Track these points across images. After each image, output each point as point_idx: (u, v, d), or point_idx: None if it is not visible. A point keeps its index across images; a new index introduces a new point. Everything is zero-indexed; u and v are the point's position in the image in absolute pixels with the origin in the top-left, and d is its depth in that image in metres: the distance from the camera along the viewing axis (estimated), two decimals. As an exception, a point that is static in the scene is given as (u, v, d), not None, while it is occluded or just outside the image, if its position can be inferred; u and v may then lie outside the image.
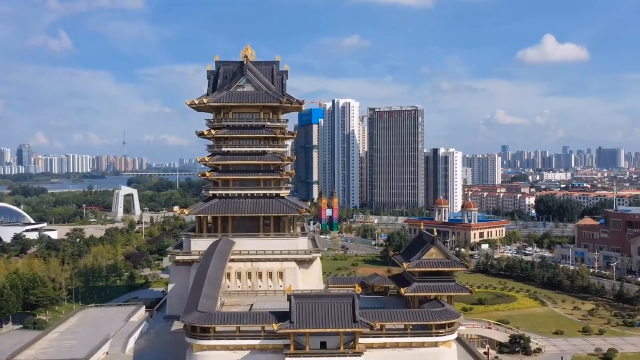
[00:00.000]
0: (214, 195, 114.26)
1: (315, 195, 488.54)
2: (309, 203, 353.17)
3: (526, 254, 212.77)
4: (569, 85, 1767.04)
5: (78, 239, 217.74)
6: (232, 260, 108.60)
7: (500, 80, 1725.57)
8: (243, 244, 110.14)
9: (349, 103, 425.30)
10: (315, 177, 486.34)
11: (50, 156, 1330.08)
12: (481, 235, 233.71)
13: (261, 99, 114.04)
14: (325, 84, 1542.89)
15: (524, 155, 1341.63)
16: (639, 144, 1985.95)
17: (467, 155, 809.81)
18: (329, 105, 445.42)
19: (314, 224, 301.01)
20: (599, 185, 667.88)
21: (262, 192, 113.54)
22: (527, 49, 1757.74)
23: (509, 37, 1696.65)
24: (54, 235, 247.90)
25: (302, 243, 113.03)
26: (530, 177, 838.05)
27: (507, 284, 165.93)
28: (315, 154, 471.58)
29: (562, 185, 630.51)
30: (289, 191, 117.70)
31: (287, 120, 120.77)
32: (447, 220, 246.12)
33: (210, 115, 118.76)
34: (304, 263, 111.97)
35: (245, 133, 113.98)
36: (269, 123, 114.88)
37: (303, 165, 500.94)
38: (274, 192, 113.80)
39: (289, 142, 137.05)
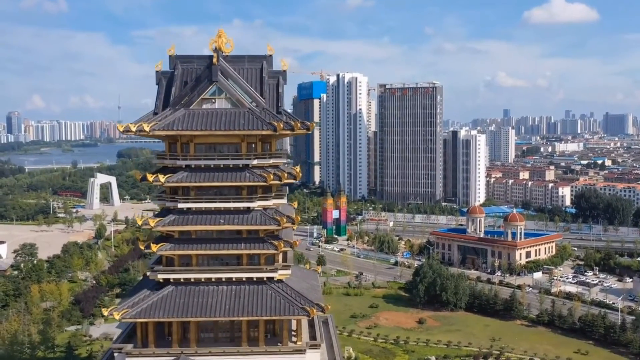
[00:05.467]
0: (167, 282, 69.21)
1: (317, 177, 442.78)
2: (308, 212, 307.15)
3: (590, 285, 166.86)
4: (571, 46, 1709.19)
5: (22, 264, 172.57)
6: (196, 397, 64.67)
7: (502, 41, 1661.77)
8: (214, 367, 66.25)
9: (356, 78, 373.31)
10: (316, 158, 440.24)
11: (42, 123, 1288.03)
12: (527, 254, 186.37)
13: (242, 123, 67.78)
14: (321, 46, 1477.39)
15: (529, 121, 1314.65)
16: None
17: (478, 128, 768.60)
18: (332, 79, 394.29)
19: (317, 227, 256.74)
20: (619, 160, 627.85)
21: (245, 275, 69.08)
22: (534, 9, 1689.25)
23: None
24: (1, 250, 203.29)
25: (312, 362, 68.63)
26: (542, 149, 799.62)
27: (588, 351, 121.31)
28: (316, 132, 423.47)
29: (583, 162, 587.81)
30: (289, 271, 72.10)
31: (286, 154, 74.85)
32: (482, 233, 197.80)
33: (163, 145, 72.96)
34: (315, 397, 67.88)
35: (217, 179, 68.35)
36: (255, 161, 68.97)
37: (303, 144, 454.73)
38: (264, 275, 69.15)
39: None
